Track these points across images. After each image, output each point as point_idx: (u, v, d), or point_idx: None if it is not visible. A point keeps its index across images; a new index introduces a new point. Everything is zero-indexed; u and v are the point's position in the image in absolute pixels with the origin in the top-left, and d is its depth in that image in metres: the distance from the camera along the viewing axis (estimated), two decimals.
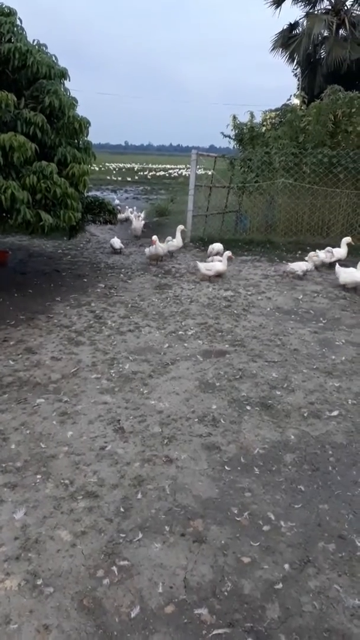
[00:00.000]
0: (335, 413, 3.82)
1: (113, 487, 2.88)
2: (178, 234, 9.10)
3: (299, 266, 8.01)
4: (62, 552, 2.39)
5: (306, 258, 8.28)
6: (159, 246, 8.60)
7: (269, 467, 3.12)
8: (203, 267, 7.81)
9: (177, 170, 41.83)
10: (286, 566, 2.36)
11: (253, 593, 2.21)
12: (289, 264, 8.24)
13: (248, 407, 3.86)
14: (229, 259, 8.02)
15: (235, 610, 2.13)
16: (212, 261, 8.23)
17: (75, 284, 7.27)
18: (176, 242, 9.07)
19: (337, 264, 7.90)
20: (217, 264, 7.87)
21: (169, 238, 9.09)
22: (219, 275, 7.89)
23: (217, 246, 9.21)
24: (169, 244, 8.95)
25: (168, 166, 48.08)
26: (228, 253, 8.01)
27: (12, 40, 5.92)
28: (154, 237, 8.65)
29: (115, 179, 31.26)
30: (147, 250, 8.86)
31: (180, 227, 9.30)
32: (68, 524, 2.58)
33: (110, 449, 3.24)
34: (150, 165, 48.45)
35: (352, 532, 2.59)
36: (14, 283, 7.05)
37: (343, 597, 2.20)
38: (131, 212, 12.68)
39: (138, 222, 11.48)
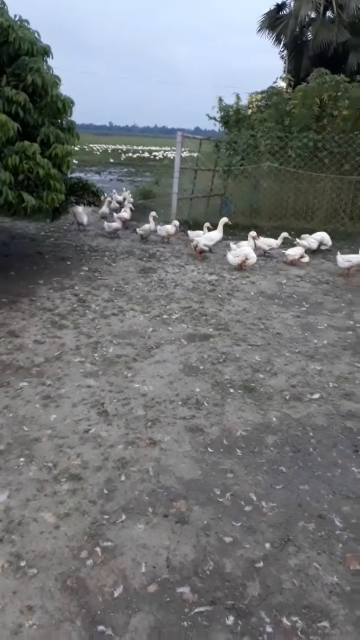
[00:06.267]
0: (316, 396, 3.87)
1: (96, 469, 2.89)
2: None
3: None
4: (46, 533, 2.41)
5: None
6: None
7: (251, 449, 3.17)
8: (231, 256, 7.56)
9: (162, 152, 41.36)
10: (267, 545, 2.41)
11: (234, 572, 2.25)
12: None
13: (231, 390, 3.89)
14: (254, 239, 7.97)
15: (217, 588, 2.17)
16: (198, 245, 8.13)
17: (59, 267, 7.20)
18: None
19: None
20: (245, 249, 7.53)
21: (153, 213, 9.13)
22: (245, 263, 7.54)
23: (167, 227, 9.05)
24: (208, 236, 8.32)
25: (153, 148, 47.51)
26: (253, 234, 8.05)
27: None
28: (254, 233, 8.13)
29: (98, 160, 30.79)
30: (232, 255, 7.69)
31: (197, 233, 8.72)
32: (51, 506, 2.59)
33: (94, 432, 3.25)
34: (134, 147, 47.82)
35: (332, 512, 2.65)
36: None
37: (322, 575, 2.25)
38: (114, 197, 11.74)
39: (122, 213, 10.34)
